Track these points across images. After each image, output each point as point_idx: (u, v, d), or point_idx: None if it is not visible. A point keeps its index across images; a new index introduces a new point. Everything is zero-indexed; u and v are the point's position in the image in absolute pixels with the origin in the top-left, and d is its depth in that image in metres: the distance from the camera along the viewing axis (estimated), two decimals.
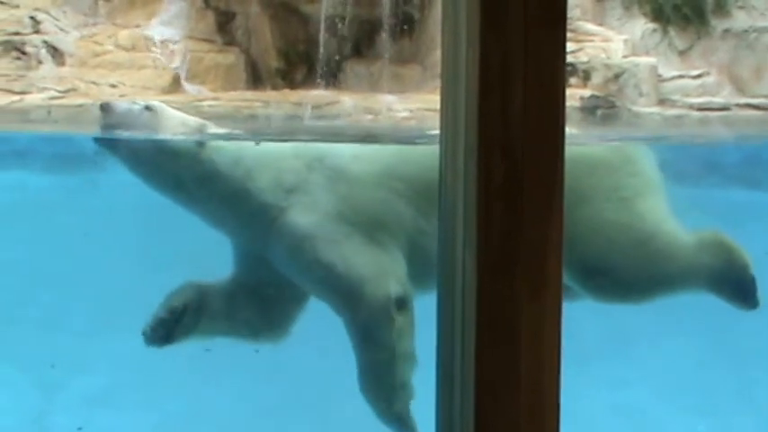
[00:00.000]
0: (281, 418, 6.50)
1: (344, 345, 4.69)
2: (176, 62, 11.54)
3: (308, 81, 11.44)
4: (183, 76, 11.41)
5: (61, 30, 11.75)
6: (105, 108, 4.86)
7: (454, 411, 2.18)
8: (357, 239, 4.65)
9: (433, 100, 10.76)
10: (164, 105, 5.03)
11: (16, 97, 10.90)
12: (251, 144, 5.04)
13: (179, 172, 4.69)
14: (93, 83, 11.21)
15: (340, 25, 11.26)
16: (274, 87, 11.48)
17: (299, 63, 11.75)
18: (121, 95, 10.84)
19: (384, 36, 11.39)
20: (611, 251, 4.92)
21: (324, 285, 4.76)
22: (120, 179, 4.87)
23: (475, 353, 2.04)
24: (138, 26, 11.92)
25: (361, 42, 11.56)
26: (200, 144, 4.72)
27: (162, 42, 11.69)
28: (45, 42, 11.52)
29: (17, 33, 11.58)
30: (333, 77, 11.24)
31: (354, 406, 4.73)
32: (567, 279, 4.86)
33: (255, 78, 11.67)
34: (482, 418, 2.04)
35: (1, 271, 7.03)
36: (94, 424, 6.77)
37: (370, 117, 10.14)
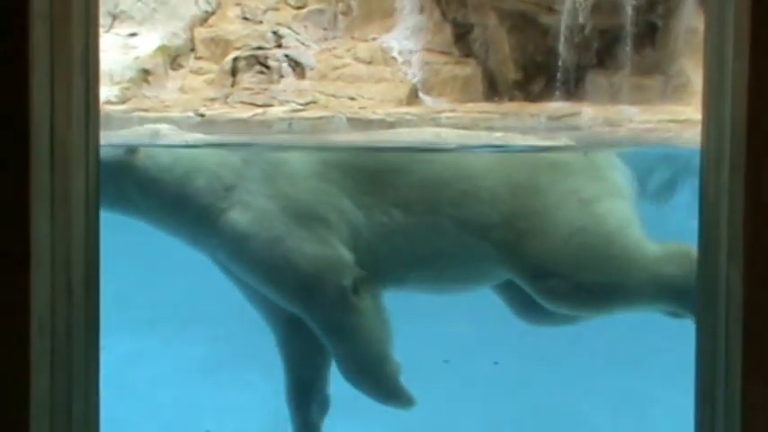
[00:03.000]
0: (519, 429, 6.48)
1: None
2: (414, 74, 11.65)
3: (547, 93, 11.37)
4: (420, 88, 11.52)
5: (302, 44, 12.04)
6: None
7: None
8: (299, 233, 4.59)
9: (676, 111, 10.51)
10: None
11: (259, 110, 11.21)
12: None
13: (115, 180, 4.60)
14: (333, 95, 11.43)
15: (580, 35, 11.15)
16: (512, 99, 11.45)
17: (537, 74, 11.68)
18: (360, 108, 11.02)
19: (625, 46, 11.22)
20: (565, 252, 4.69)
21: (272, 285, 4.73)
22: None
23: (741, 374, 1.97)
24: (375, 39, 12.10)
25: (602, 52, 11.41)
26: (132, 150, 4.69)
27: (400, 55, 11.84)
28: (287, 56, 11.82)
29: (260, 48, 11.93)
30: (572, 89, 11.13)
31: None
32: (516, 278, 4.71)
33: (493, 90, 11.67)
34: None
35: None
36: (332, 430, 6.90)
37: (609, 129, 9.99)
